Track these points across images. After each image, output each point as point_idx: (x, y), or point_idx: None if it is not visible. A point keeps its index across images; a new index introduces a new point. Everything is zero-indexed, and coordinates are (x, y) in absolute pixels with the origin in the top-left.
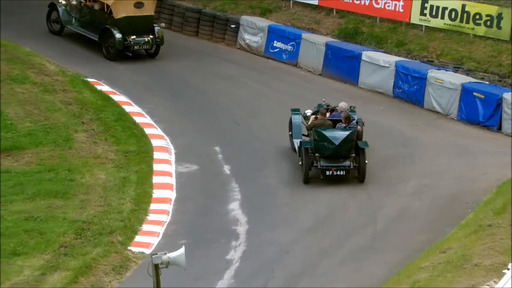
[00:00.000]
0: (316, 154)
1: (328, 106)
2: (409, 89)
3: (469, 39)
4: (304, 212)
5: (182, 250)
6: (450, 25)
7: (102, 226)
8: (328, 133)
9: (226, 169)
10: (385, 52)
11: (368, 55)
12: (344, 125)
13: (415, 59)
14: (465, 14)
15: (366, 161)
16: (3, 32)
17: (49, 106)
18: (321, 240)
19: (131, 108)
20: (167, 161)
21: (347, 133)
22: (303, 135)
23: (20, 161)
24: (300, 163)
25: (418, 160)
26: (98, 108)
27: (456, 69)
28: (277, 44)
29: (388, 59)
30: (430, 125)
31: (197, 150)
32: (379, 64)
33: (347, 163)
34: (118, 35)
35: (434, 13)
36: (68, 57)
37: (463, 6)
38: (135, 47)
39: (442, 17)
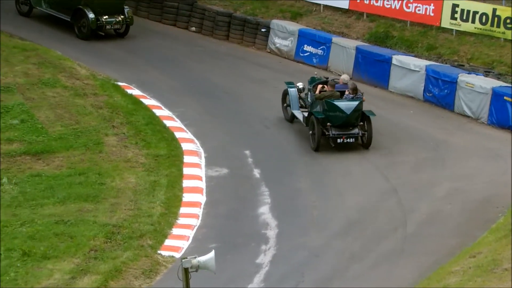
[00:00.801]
0: (328, 124)
1: (326, 78)
2: (440, 93)
3: (500, 43)
4: (334, 216)
5: (212, 254)
6: (480, 29)
7: (132, 230)
8: (340, 103)
9: (256, 172)
10: (415, 56)
11: (398, 59)
12: (352, 95)
13: (446, 63)
14: (496, 18)
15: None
16: (33, 35)
17: (80, 110)
18: (351, 243)
19: (161, 111)
20: (197, 165)
21: (356, 103)
22: (300, 106)
23: (51, 164)
24: (310, 132)
25: (448, 164)
26: (129, 112)
27: (486, 73)
28: (307, 48)
29: (419, 63)
30: (460, 129)
31: (227, 154)
32: (409, 68)
33: (356, 130)
34: (91, 15)
35: (464, 17)
36: (99, 60)
37: (494, 10)
38: (107, 27)
39: (473, 21)
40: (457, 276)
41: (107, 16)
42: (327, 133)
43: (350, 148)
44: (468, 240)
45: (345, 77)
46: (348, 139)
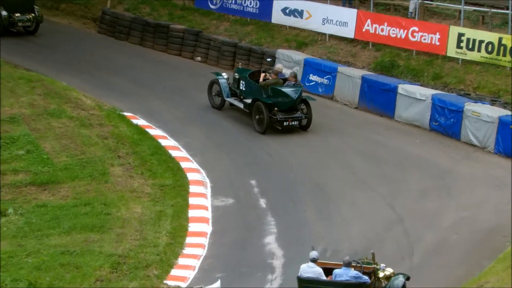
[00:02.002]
0: (275, 108)
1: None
2: (446, 122)
3: (506, 72)
4: (341, 246)
5: (218, 284)
6: (486, 58)
7: (138, 260)
8: (286, 90)
9: (262, 202)
10: (421, 85)
11: (404, 88)
12: (293, 82)
13: (452, 92)
14: (501, 47)
15: None
16: (41, 66)
17: (86, 140)
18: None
19: (167, 141)
20: (203, 195)
21: (300, 88)
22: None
23: (56, 195)
24: (256, 117)
25: (455, 193)
26: (134, 142)
27: (493, 102)
28: (313, 77)
29: (425, 92)
30: (467, 158)
31: (233, 183)
32: (415, 97)
33: (298, 114)
34: (3, 12)
35: (470, 46)
36: (104, 91)
37: (500, 39)
38: (19, 24)
39: (479, 50)
40: None
41: (19, 14)
42: (274, 117)
43: (356, 177)
44: (475, 269)
45: (279, 66)
46: (293, 122)
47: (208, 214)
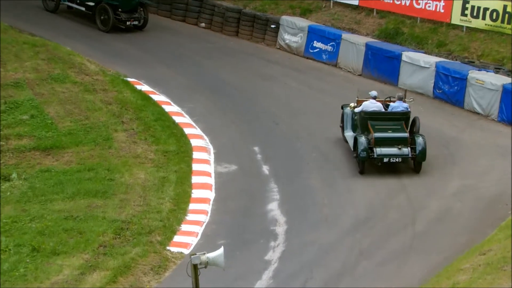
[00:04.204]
0: (119, 9)
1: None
2: (450, 90)
3: (510, 40)
4: (343, 213)
5: (221, 251)
6: (491, 25)
7: (141, 226)
8: None
9: (265, 169)
10: (425, 52)
11: (408, 55)
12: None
13: (456, 60)
14: (506, 15)
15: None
16: (46, 31)
17: (90, 105)
18: (361, 240)
19: (170, 107)
20: (206, 161)
21: None
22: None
23: (60, 160)
24: (102, 17)
25: (459, 161)
26: (138, 108)
27: (497, 70)
28: (317, 44)
29: (429, 60)
30: (470, 126)
31: (236, 150)
32: (419, 65)
33: (138, 15)
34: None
35: (475, 14)
36: (108, 56)
37: (505, 6)
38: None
39: (483, 18)
40: (467, 274)
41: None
42: (118, 17)
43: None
44: (478, 237)
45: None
46: (134, 21)
47: (211, 180)
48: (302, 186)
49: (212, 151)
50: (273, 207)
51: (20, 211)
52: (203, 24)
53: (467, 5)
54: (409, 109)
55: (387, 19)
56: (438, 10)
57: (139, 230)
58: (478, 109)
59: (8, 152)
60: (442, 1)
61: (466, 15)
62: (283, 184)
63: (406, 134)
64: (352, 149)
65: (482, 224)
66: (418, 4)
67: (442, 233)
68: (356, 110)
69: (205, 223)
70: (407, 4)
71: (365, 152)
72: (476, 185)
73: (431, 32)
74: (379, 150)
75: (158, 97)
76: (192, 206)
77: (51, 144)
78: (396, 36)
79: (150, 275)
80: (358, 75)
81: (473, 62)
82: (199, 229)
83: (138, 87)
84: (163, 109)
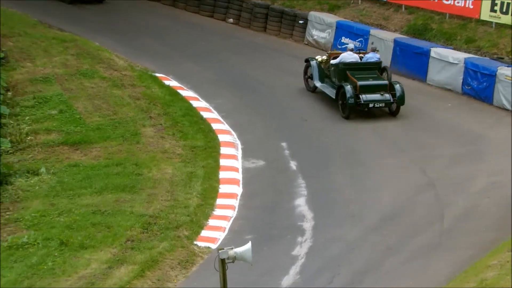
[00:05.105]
0: None
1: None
2: (478, 86)
3: None
4: (371, 209)
5: (248, 245)
6: None
7: (168, 221)
8: None
9: (293, 164)
10: (454, 48)
11: (437, 51)
12: None
13: (485, 56)
14: None
15: None
16: (75, 26)
17: (118, 100)
18: (387, 237)
19: (198, 103)
20: (233, 156)
21: None
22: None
23: (88, 155)
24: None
25: (487, 157)
26: (166, 103)
27: None
28: (345, 40)
29: (457, 56)
30: (499, 122)
31: (264, 146)
32: (448, 61)
33: None
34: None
35: (504, 10)
36: (136, 52)
37: None
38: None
39: None
40: (495, 270)
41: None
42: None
43: (387, 141)
44: (506, 234)
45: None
46: None
47: (238, 175)
48: (330, 182)
49: (239, 146)
50: (301, 203)
51: (48, 205)
52: (231, 20)
53: (496, 1)
54: (380, 59)
55: (416, 15)
56: (467, 6)
57: (166, 224)
58: (507, 106)
59: (37, 146)
60: None
61: (495, 11)
62: (310, 180)
63: (387, 81)
64: (335, 98)
65: (509, 221)
66: (447, 0)
67: (470, 230)
68: (334, 61)
69: (232, 218)
70: (436, 0)
71: (352, 99)
72: (504, 181)
73: (460, 28)
74: (364, 97)
75: (186, 93)
76: (219, 201)
77: (80, 139)
78: (425, 32)
79: (177, 270)
80: None
81: (502, 58)
82: (227, 224)
83: (166, 82)
84: (191, 105)
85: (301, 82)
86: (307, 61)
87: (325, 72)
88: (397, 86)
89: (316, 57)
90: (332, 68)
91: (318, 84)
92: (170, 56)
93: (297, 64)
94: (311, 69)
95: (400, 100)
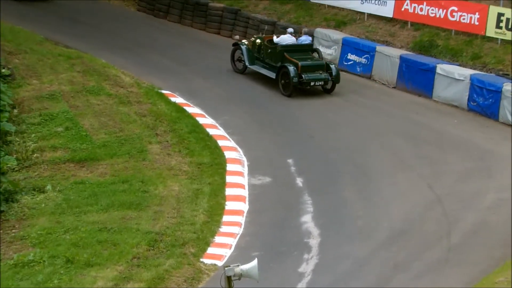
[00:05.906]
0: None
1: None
2: (484, 102)
3: None
4: (379, 226)
5: (255, 262)
6: None
7: (175, 238)
8: None
9: (299, 181)
10: (460, 65)
11: (443, 68)
12: None
13: (491, 72)
14: None
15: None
16: (81, 43)
17: (124, 117)
18: (396, 253)
19: (204, 120)
20: (240, 173)
21: None
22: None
23: (94, 172)
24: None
25: (494, 173)
26: (172, 120)
27: None
28: (351, 56)
29: (463, 72)
30: (506, 138)
31: (270, 162)
32: (454, 77)
33: None
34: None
35: (510, 26)
36: (142, 68)
37: None
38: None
39: None
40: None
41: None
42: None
43: (396, 156)
44: None
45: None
46: None
47: (245, 192)
48: (337, 198)
49: (246, 163)
50: (307, 219)
51: (54, 223)
52: (237, 37)
53: (502, 18)
54: (312, 42)
55: (422, 31)
56: (472, 22)
57: (172, 242)
58: None
59: (43, 164)
60: (477, 14)
61: (501, 28)
62: (317, 197)
63: (324, 62)
64: (275, 77)
65: None
66: (453, 16)
67: (478, 246)
68: (276, 39)
69: (238, 235)
70: (442, 16)
71: (296, 78)
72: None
73: (466, 45)
74: (306, 76)
75: (192, 109)
76: (225, 218)
77: (86, 156)
78: (431, 48)
79: (184, 287)
80: (393, 87)
81: (508, 75)
82: (233, 241)
83: (172, 99)
84: (197, 121)
85: (307, 97)
86: (235, 44)
87: (254, 54)
88: (332, 66)
89: (244, 41)
90: (269, 50)
91: (250, 66)
92: (176, 73)
93: None
94: (240, 52)
95: (336, 79)
